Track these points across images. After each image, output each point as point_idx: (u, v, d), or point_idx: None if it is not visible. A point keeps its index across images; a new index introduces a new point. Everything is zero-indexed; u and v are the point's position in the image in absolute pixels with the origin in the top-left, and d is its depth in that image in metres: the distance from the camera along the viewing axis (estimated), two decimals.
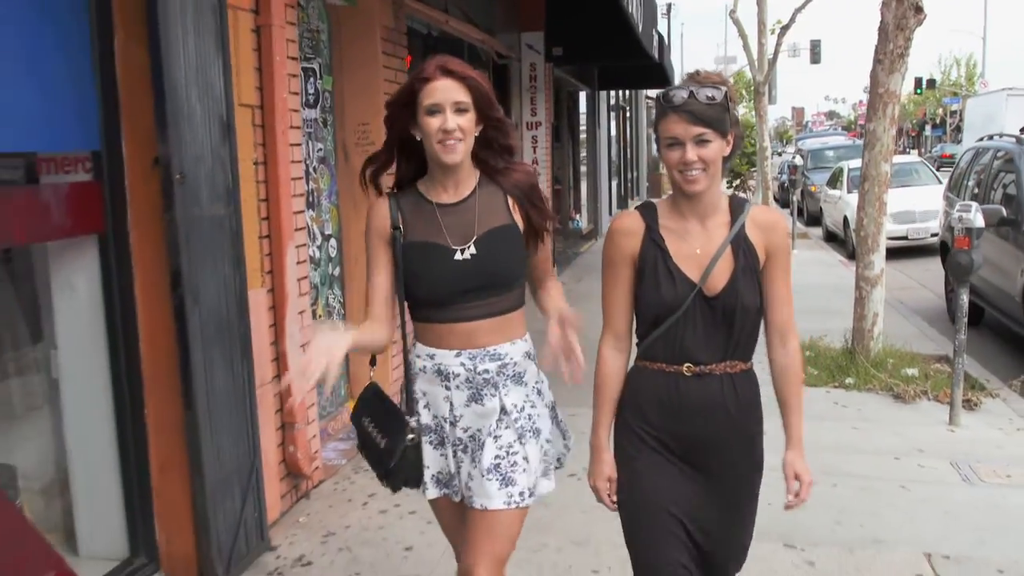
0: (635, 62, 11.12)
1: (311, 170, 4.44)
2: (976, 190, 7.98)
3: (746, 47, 14.94)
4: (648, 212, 2.04)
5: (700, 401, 1.98)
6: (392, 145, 2.10)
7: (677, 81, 2.29)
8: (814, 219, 16.50)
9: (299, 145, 3.83)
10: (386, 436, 2.09)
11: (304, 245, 3.91)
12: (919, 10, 5.56)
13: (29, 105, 2.64)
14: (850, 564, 3.29)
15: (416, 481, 2.12)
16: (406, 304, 2.10)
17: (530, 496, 2.09)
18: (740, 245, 1.98)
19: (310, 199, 4.40)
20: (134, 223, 2.92)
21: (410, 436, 2.07)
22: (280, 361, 3.62)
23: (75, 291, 2.96)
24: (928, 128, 54.61)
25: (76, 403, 3.03)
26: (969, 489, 4.03)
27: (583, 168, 14.45)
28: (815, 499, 3.63)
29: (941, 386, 5.38)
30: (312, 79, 4.46)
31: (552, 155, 10.04)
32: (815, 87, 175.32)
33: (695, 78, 1.97)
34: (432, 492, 2.14)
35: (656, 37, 11.61)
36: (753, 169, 15.96)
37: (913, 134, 61.39)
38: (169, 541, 3.09)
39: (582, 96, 14.13)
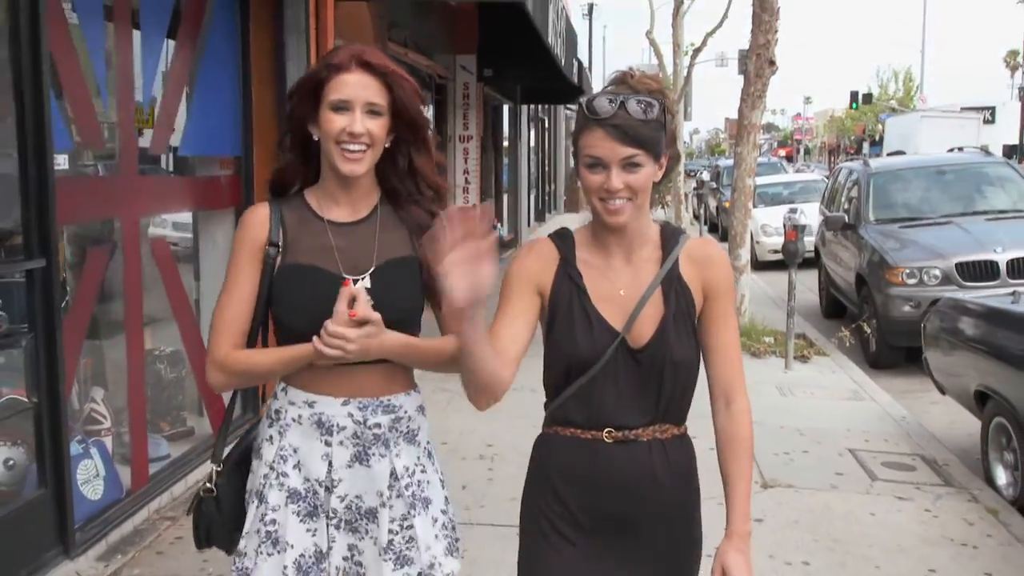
0: (558, 84, 14.32)
1: None
2: (846, 204, 11.28)
3: (661, 67, 18.44)
4: (564, 241, 1.95)
5: (624, 473, 1.90)
6: (296, 146, 2.03)
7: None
8: (728, 234, 20.00)
9: None
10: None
11: None
12: (772, 63, 8.81)
13: (209, 127, 5.39)
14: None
15: (226, 542, 2.10)
16: (274, 335, 2.04)
17: None
18: (672, 286, 1.90)
19: None
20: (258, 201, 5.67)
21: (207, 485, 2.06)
22: None
23: (216, 242, 5.69)
24: (866, 145, 59.03)
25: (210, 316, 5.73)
26: (782, 398, 7.15)
27: (505, 178, 17.58)
28: None
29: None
30: None
31: (482, 166, 13.05)
32: None
33: (628, 81, 1.84)
34: None
35: (576, 65, 14.84)
36: (671, 184, 19.35)
37: (851, 151, 66.46)
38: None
39: (505, 109, 17.33)
